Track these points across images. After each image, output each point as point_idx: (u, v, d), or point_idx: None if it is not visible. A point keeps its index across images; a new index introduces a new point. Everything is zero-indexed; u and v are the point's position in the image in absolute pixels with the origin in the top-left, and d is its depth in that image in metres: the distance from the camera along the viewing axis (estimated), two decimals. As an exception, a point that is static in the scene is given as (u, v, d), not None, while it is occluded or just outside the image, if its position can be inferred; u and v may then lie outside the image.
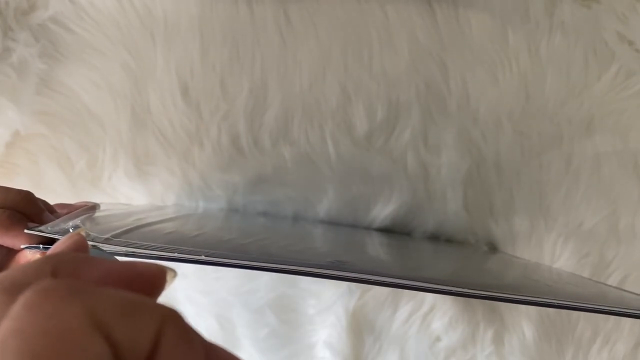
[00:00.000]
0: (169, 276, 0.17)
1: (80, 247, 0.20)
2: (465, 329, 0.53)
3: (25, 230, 0.27)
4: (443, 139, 0.53)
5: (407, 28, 0.53)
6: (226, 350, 0.16)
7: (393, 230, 0.54)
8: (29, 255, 0.28)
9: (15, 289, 0.13)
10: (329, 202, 0.53)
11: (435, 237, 0.54)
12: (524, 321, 0.52)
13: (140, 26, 0.54)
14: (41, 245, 0.28)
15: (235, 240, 0.29)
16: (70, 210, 0.33)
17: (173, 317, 0.14)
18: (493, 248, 0.54)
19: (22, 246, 0.27)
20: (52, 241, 0.28)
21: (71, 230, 0.28)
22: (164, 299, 0.17)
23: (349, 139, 0.53)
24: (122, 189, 0.55)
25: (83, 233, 0.21)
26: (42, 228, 0.28)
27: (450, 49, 0.53)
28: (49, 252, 0.18)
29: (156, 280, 0.16)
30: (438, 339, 0.53)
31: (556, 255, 0.53)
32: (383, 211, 0.53)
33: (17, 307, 0.12)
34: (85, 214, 0.33)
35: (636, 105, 0.52)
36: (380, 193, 0.53)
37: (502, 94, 0.53)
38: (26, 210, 0.29)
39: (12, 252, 0.29)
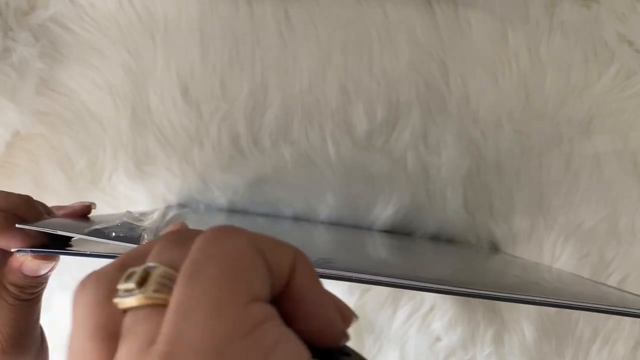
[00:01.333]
0: (353, 317, 0.19)
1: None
2: (465, 329, 0.53)
3: (17, 225, 0.27)
4: (443, 139, 0.53)
5: (407, 28, 0.53)
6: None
7: (394, 232, 0.54)
8: (20, 259, 0.28)
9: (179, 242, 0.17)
10: (329, 202, 0.53)
11: (436, 238, 0.54)
12: (524, 321, 0.52)
13: (140, 26, 0.54)
14: (30, 249, 0.28)
15: None
16: (66, 211, 0.33)
17: (303, 255, 0.17)
18: (495, 248, 0.54)
19: (13, 249, 0.28)
20: (43, 245, 0.28)
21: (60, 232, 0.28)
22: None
23: (349, 139, 0.53)
24: (122, 189, 0.55)
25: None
26: (38, 224, 0.28)
27: (450, 49, 0.53)
28: None
29: (347, 316, 0.19)
30: (438, 339, 0.53)
31: (556, 255, 0.53)
32: (384, 212, 0.53)
33: (199, 243, 0.15)
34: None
35: (636, 105, 0.52)
36: (381, 193, 0.53)
37: (502, 94, 0.53)
38: (25, 214, 0.29)
39: (6, 256, 0.29)
